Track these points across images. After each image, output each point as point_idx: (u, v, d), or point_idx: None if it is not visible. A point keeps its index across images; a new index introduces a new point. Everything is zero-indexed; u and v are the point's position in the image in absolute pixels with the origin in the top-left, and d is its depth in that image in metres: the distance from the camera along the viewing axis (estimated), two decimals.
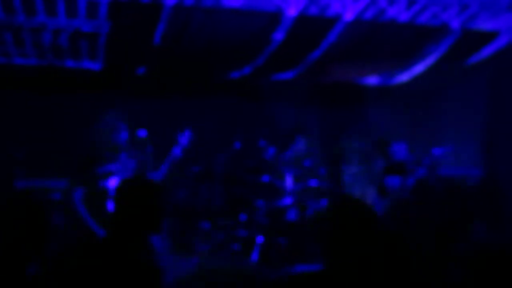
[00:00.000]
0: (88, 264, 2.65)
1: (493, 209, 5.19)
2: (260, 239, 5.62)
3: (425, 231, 4.94)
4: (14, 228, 2.57)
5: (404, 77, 6.38)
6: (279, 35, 5.25)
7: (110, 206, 4.21)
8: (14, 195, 4.51)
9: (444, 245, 4.69)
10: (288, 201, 5.77)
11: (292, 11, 4.88)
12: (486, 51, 5.70)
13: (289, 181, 5.81)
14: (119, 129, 4.37)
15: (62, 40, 5.64)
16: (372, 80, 6.63)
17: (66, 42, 5.71)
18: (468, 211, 4.99)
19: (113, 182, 4.26)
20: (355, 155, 6.01)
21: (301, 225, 5.61)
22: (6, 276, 2.48)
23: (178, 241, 4.42)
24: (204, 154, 5.42)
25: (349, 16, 5.01)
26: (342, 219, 2.56)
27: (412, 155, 5.31)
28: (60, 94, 6.53)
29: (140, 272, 2.67)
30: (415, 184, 5.09)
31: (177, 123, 5.89)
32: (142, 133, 4.47)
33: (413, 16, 5.39)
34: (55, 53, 6.06)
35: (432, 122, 6.39)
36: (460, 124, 6.07)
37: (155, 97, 6.27)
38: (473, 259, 2.99)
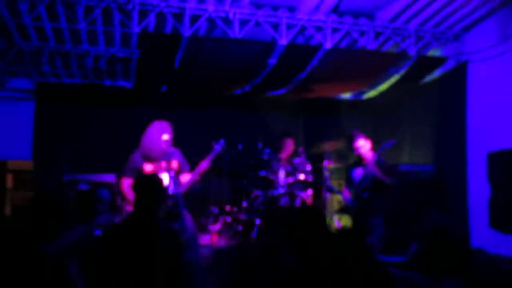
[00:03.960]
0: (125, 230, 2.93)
1: (442, 197, 5.16)
2: (258, 221, 5.60)
3: (384, 213, 4.95)
4: None
5: (371, 93, 6.36)
6: (273, 60, 5.23)
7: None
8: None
9: (401, 224, 4.67)
10: (280, 191, 5.78)
11: (283, 40, 4.87)
12: (437, 72, 5.68)
13: (281, 175, 5.82)
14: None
15: (101, 63, 5.69)
16: (346, 96, 6.60)
17: (105, 65, 5.77)
18: (421, 199, 4.97)
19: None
20: (333, 154, 6.20)
21: (290, 209, 5.59)
22: None
23: (196, 221, 4.31)
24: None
25: (328, 45, 4.99)
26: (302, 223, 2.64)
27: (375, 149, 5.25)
28: (99, 107, 6.54)
29: (161, 233, 2.95)
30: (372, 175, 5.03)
31: (191, 130, 6.07)
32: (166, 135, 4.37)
33: (379, 45, 5.39)
34: (96, 74, 6.11)
35: (393, 128, 6.32)
36: (416, 130, 6.02)
37: (175, 109, 6.23)
38: (428, 236, 3.02)
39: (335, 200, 6.41)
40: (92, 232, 4.64)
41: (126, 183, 4.20)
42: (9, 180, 5.36)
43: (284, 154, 6.08)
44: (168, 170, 4.32)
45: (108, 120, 6.45)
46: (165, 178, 4.29)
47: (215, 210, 5.97)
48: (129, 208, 4.24)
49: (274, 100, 6.56)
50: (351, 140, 5.28)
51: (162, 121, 4.35)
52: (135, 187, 3.14)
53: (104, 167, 5.59)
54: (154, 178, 3.22)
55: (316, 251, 2.51)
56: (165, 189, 3.84)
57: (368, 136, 5.33)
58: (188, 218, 4.15)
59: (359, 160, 5.31)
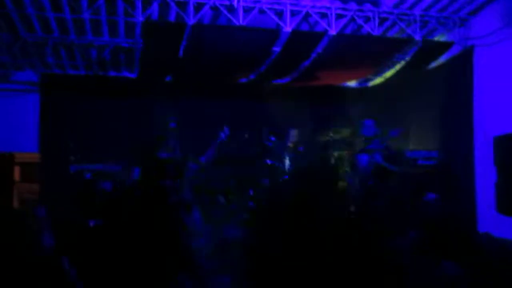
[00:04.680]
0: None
1: (447, 183, 5.20)
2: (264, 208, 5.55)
3: (386, 200, 4.99)
4: None
5: (377, 81, 6.36)
6: (277, 48, 5.23)
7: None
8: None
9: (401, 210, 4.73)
10: (286, 177, 5.85)
11: (288, 28, 4.88)
12: (443, 58, 5.65)
13: (287, 163, 5.90)
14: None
15: (106, 54, 5.71)
16: (351, 83, 6.61)
17: (109, 56, 5.80)
18: (427, 185, 5.00)
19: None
20: (338, 141, 6.22)
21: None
22: None
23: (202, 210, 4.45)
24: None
25: (333, 31, 4.99)
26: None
27: (379, 131, 5.30)
28: (104, 97, 6.55)
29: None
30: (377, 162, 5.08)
31: (197, 119, 6.08)
32: (173, 124, 4.51)
33: (384, 31, 5.38)
34: (100, 65, 6.15)
35: (399, 115, 6.32)
36: (422, 116, 6.02)
37: (180, 99, 6.25)
38: (428, 222, 3.06)
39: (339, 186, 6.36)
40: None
41: (135, 170, 4.45)
42: (17, 173, 5.43)
43: (290, 142, 6.15)
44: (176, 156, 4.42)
45: (112, 111, 6.48)
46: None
47: (221, 199, 6.00)
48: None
49: (280, 88, 6.58)
50: (357, 127, 5.35)
51: (167, 107, 4.61)
52: None
53: (110, 157, 5.67)
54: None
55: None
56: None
57: (374, 123, 5.37)
58: (195, 207, 4.27)
59: (365, 147, 5.36)
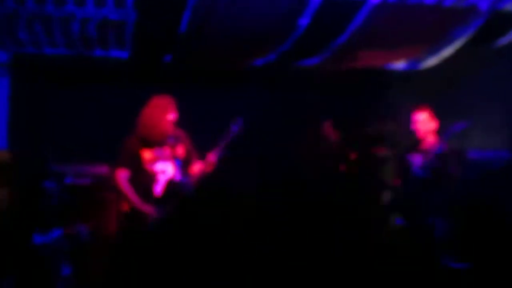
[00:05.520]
0: None
1: None
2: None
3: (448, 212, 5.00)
4: None
5: (432, 62, 6.33)
6: (305, 20, 5.22)
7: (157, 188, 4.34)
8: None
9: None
10: None
11: None
12: None
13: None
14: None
15: (90, 29, 5.72)
16: (398, 65, 6.60)
17: (94, 31, 5.78)
18: (494, 192, 5.03)
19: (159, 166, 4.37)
20: (382, 139, 6.18)
21: None
22: None
23: None
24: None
25: None
26: None
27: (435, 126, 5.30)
28: (88, 82, 6.62)
29: None
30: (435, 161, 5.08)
31: (202, 110, 6.21)
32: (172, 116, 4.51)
33: None
34: (84, 43, 6.12)
35: (459, 105, 6.29)
36: (488, 107, 6.00)
37: (181, 85, 6.15)
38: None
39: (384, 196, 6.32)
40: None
41: (121, 175, 4.31)
42: None
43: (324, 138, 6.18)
44: (173, 158, 4.39)
45: (99, 99, 6.58)
46: (169, 168, 4.40)
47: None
48: (124, 206, 4.38)
49: (307, 72, 6.61)
50: (406, 121, 5.34)
51: (164, 95, 4.44)
52: None
53: (96, 156, 5.74)
54: None
55: None
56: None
57: (429, 116, 5.34)
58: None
59: (417, 145, 5.34)
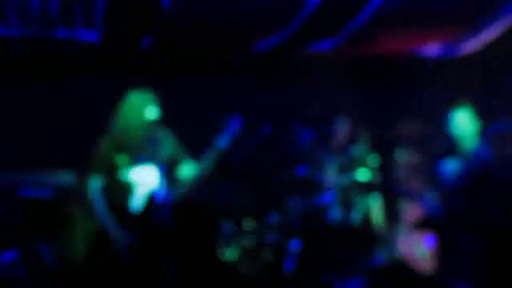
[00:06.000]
0: None
1: None
2: (294, 245, 5.60)
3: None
4: None
5: (471, 45, 6.21)
6: None
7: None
8: None
9: None
10: (329, 197, 5.74)
11: None
12: None
13: (330, 174, 5.80)
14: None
15: (52, 6, 5.68)
16: (431, 50, 6.49)
17: (57, 9, 5.72)
18: None
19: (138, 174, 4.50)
20: (408, 140, 6.02)
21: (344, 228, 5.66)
22: None
23: None
24: None
25: None
26: None
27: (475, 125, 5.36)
28: (49, 72, 6.52)
29: None
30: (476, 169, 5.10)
31: (190, 107, 6.19)
32: (153, 114, 4.58)
33: None
34: (44, 23, 6.02)
35: (506, 101, 6.24)
36: None
37: (164, 76, 6.23)
38: None
39: (413, 210, 6.37)
40: None
41: (92, 186, 4.38)
42: None
43: (335, 141, 6.01)
44: (154, 164, 4.44)
45: (63, 92, 6.45)
46: (150, 177, 4.44)
47: (227, 228, 5.96)
48: (94, 224, 4.47)
49: (318, 59, 6.51)
50: (440, 119, 5.39)
51: (143, 88, 4.55)
52: None
53: (60, 163, 5.66)
54: None
55: None
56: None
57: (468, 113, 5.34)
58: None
59: (453, 149, 5.33)
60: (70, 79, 6.53)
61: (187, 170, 4.52)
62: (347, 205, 5.69)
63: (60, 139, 6.24)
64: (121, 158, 4.44)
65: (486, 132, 5.11)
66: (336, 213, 5.64)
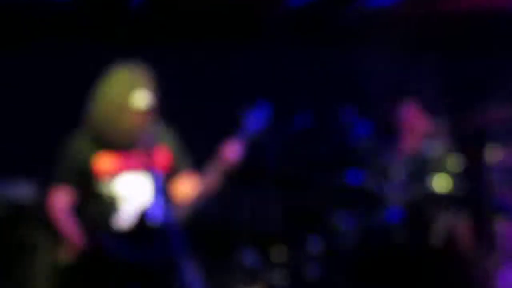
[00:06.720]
0: None
1: None
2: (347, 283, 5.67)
3: None
4: None
5: None
6: None
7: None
8: None
9: None
10: (395, 214, 5.68)
11: None
12: None
13: (397, 181, 5.66)
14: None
15: None
16: None
17: None
18: None
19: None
20: (507, 133, 6.20)
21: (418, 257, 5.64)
22: None
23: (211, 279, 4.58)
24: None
25: None
26: None
27: None
28: (8, 43, 6.44)
29: None
30: None
31: (196, 88, 6.25)
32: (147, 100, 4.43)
33: None
34: None
35: None
36: None
37: (160, 47, 6.27)
38: None
39: None
40: None
41: (59, 200, 4.31)
42: None
43: (402, 136, 5.86)
44: (148, 168, 4.32)
45: (25, 71, 6.35)
46: (140, 188, 4.36)
47: (249, 255, 5.88)
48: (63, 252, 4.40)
49: (372, 20, 6.43)
50: None
51: (132, 64, 4.38)
52: None
53: (15, 170, 5.73)
54: None
55: None
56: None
57: None
58: (191, 272, 4.16)
59: None
60: (35, 49, 6.41)
61: (193, 178, 4.45)
62: (421, 226, 5.58)
63: (14, 136, 6.20)
64: (100, 162, 4.32)
65: None
66: (404, 236, 5.54)
